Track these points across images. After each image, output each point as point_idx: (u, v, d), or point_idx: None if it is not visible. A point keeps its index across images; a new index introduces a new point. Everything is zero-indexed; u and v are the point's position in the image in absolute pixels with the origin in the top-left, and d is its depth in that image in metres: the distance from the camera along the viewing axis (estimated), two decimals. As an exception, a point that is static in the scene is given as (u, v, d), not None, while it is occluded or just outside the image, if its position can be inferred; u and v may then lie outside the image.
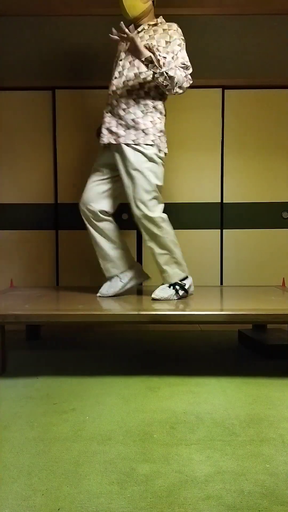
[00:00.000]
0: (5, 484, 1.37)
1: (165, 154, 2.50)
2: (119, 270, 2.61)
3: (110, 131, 2.46)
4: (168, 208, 3.20)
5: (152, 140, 2.41)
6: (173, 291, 2.49)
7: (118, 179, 2.51)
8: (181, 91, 2.33)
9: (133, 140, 2.40)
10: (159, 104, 2.46)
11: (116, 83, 2.46)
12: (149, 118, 2.42)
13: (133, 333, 3.13)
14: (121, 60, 2.47)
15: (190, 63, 2.38)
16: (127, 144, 2.41)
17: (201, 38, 3.13)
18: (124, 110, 2.42)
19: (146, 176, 2.40)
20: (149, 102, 2.42)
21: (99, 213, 2.54)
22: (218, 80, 3.15)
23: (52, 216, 3.25)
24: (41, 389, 2.13)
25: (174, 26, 2.42)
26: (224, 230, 3.23)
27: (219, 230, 3.23)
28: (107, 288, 2.60)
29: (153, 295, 2.49)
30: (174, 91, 2.31)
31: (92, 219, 2.56)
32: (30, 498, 1.30)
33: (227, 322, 2.26)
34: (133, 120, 2.41)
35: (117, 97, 2.44)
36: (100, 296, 2.58)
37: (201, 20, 3.14)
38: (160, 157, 2.45)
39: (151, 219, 2.44)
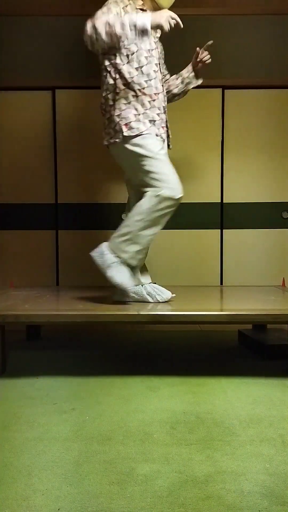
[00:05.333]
0: (5, 484, 1.37)
1: None
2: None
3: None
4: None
5: None
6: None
7: None
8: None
9: None
10: None
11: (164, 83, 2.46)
12: None
13: (133, 333, 3.13)
14: (159, 58, 2.40)
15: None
16: None
17: (202, 38, 3.12)
18: None
19: None
20: None
21: None
22: (218, 80, 3.15)
23: (52, 216, 3.25)
24: (41, 389, 2.13)
25: None
26: (224, 230, 3.23)
27: (219, 230, 3.23)
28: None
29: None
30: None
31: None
32: (30, 498, 1.30)
33: (227, 322, 2.26)
34: None
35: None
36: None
37: (202, 20, 3.14)
38: None
39: None
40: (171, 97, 2.60)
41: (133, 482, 1.37)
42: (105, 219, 3.24)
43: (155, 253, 3.22)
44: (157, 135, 2.31)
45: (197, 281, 3.16)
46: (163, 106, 2.38)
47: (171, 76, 2.59)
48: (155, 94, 2.30)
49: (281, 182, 3.23)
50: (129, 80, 2.26)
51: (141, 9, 2.33)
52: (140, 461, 1.48)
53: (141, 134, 2.27)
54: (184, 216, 3.19)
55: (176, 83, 2.56)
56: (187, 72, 2.54)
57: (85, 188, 3.24)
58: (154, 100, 2.29)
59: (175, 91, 2.57)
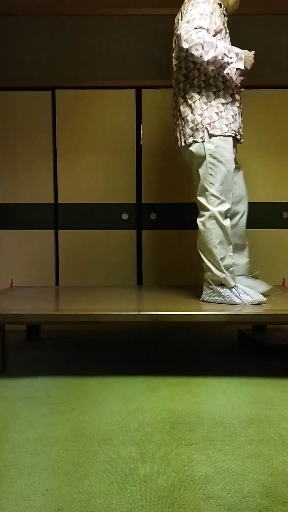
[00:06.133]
0: (5, 484, 1.37)
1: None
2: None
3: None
4: (168, 208, 3.22)
5: None
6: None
7: None
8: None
9: None
10: None
11: None
12: None
13: (133, 333, 3.13)
14: None
15: None
16: None
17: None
18: None
19: None
20: None
21: None
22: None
23: (52, 216, 3.25)
24: (41, 389, 2.13)
25: None
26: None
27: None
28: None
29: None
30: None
31: None
32: (30, 498, 1.30)
33: (227, 322, 2.26)
34: None
35: None
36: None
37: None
38: None
39: None
40: None
41: (133, 482, 1.36)
42: (105, 219, 3.24)
43: (158, 253, 3.22)
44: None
45: (197, 281, 3.15)
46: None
47: None
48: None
49: (281, 182, 3.23)
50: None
51: (219, 5, 2.36)
52: (140, 461, 1.48)
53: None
54: (184, 216, 3.19)
55: None
56: None
57: (85, 188, 3.24)
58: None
59: None
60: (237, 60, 2.25)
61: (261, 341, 2.64)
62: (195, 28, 2.15)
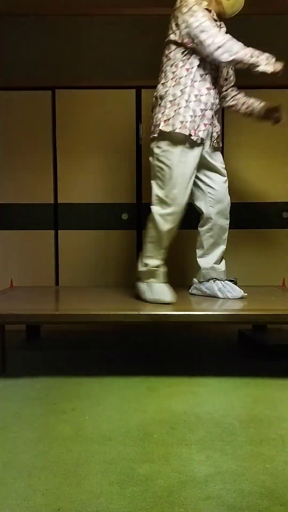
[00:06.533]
0: (5, 484, 1.37)
1: None
2: None
3: None
4: (168, 208, 3.21)
5: None
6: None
7: None
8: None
9: None
10: None
11: None
12: None
13: (133, 333, 3.13)
14: None
15: None
16: None
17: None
18: None
19: None
20: None
21: None
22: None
23: (52, 216, 3.25)
24: (41, 389, 2.13)
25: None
26: (224, 230, 3.23)
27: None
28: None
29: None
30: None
31: None
32: (30, 498, 1.30)
33: (227, 322, 2.26)
34: None
35: None
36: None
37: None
38: None
39: None
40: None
41: (133, 482, 1.36)
42: (105, 219, 3.24)
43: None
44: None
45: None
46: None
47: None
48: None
49: (281, 182, 3.23)
50: None
51: (208, 11, 2.35)
52: (140, 461, 1.48)
53: None
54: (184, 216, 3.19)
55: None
56: (258, 109, 2.57)
57: (85, 188, 3.24)
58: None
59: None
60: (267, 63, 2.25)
61: (261, 341, 2.64)
62: (219, 45, 2.21)
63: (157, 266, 2.43)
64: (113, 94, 3.19)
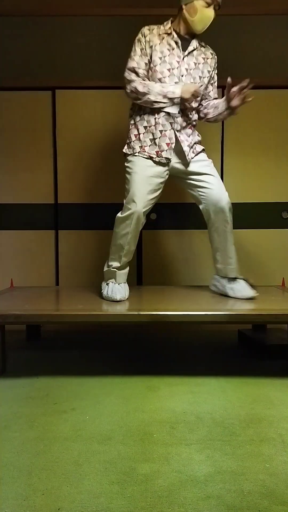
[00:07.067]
0: (5, 484, 1.37)
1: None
2: None
3: None
4: (168, 208, 3.22)
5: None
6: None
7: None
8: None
9: None
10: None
11: None
12: None
13: (133, 333, 3.13)
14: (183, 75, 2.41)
15: None
16: None
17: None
18: None
19: None
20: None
21: None
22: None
23: (52, 216, 3.25)
24: (41, 389, 2.13)
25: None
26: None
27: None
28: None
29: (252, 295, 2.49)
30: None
31: None
32: (30, 498, 1.30)
33: (227, 322, 2.26)
34: None
35: None
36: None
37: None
38: None
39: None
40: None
41: (133, 482, 1.37)
42: (105, 219, 3.24)
43: (158, 253, 3.22)
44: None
45: (197, 281, 3.16)
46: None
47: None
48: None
49: (281, 182, 3.23)
50: None
51: (167, 34, 2.38)
52: (140, 461, 1.48)
53: None
54: (183, 216, 3.19)
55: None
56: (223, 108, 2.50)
57: (85, 188, 3.24)
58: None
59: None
60: (170, 104, 2.33)
61: (261, 341, 2.64)
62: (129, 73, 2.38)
63: (117, 268, 2.50)
64: (113, 94, 3.19)
